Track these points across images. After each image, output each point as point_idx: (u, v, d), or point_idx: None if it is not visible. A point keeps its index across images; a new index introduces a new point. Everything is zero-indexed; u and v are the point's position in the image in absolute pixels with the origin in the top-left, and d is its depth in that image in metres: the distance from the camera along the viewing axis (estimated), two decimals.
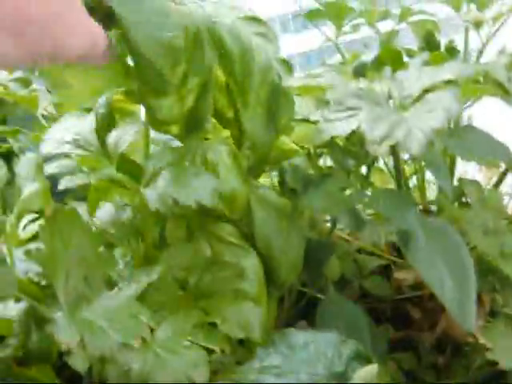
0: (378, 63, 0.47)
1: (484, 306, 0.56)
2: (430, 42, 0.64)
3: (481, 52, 0.64)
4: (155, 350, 0.36)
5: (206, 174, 0.39)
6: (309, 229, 0.53)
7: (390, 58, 0.47)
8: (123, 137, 0.44)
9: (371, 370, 0.37)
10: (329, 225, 0.55)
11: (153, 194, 0.39)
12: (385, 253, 0.67)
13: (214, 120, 0.46)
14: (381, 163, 0.56)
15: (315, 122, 0.52)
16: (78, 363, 0.35)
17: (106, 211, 0.46)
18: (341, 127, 0.44)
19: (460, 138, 0.49)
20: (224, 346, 0.38)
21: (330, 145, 0.50)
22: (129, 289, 0.37)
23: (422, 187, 0.59)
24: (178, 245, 0.45)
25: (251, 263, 0.44)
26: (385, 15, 0.72)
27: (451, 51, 0.66)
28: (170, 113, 0.39)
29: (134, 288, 0.37)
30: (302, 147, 0.51)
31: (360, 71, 0.49)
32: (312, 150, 0.51)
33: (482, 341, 0.46)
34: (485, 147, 0.50)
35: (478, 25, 0.58)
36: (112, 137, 0.47)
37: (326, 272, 0.52)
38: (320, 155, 0.52)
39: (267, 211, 0.45)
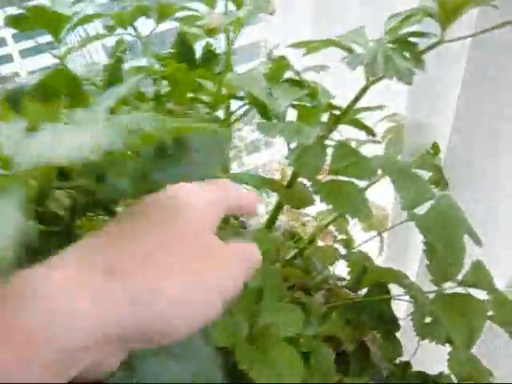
0: (43, 90, 0.34)
1: None
2: (182, 47, 0.56)
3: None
4: None
5: None
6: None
7: (65, 85, 0.34)
8: None
9: None
10: None
11: None
12: None
13: None
14: None
15: None
16: None
17: None
18: None
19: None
20: None
21: None
22: None
23: None
24: None
25: None
26: (143, 12, 0.62)
27: (210, 56, 0.58)
28: None
29: None
30: None
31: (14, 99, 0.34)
32: None
33: None
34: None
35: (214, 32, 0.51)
36: None
37: None
38: None
39: None
